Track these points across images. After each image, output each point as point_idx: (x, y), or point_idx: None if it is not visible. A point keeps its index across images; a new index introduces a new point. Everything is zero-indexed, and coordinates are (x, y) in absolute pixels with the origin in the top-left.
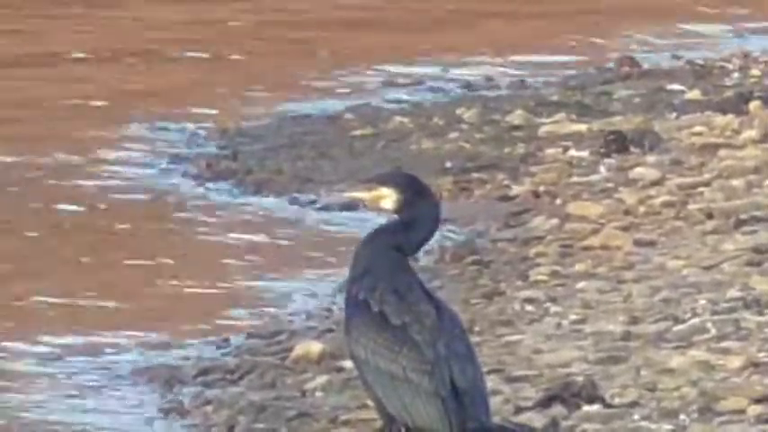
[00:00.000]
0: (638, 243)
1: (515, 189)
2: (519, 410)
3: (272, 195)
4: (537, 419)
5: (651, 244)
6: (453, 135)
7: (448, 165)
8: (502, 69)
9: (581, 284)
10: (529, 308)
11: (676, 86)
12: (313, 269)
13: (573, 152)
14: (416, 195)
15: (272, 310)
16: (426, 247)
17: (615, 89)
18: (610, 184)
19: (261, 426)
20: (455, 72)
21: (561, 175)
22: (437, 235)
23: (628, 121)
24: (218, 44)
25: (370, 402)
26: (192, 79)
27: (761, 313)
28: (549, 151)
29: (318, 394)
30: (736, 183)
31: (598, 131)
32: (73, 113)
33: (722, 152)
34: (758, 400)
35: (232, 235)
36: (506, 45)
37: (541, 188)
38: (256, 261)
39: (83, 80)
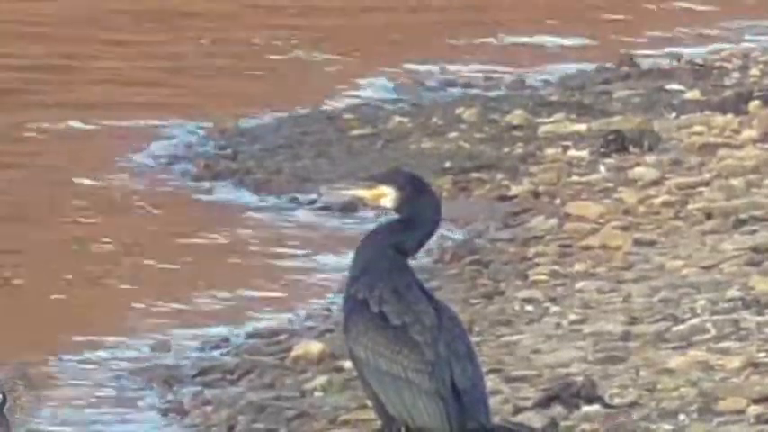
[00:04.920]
0: (637, 243)
1: (515, 189)
2: (518, 410)
3: (271, 195)
4: (536, 419)
5: (650, 244)
6: (452, 135)
7: (447, 164)
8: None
9: (580, 284)
10: (528, 308)
11: (676, 86)
12: (313, 269)
13: (572, 152)
14: (416, 194)
15: (271, 309)
16: (426, 246)
17: (615, 89)
18: (609, 184)
19: (260, 426)
20: (455, 72)
21: (560, 174)
22: (436, 235)
23: (627, 120)
24: (219, 44)
25: (369, 402)
26: (191, 79)
27: (760, 313)
28: (549, 151)
29: (318, 394)
30: (735, 182)
31: (597, 131)
32: (72, 113)
33: (721, 152)
34: (757, 401)
35: (231, 235)
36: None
37: (541, 188)
38: (256, 261)
39: (82, 79)
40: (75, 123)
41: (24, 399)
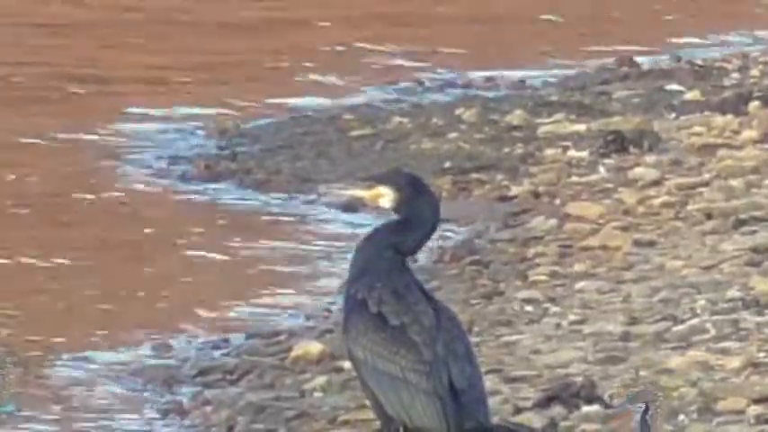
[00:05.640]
0: (637, 243)
1: (514, 189)
2: (518, 411)
3: (271, 195)
4: (536, 420)
5: (650, 244)
6: (452, 135)
7: (447, 165)
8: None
9: (580, 285)
10: (528, 308)
11: (675, 87)
12: (312, 269)
13: (572, 152)
14: (415, 194)
15: (271, 309)
16: (425, 246)
17: (614, 89)
18: (609, 185)
19: (260, 426)
20: (455, 72)
21: (560, 175)
22: (436, 235)
23: (627, 121)
24: (218, 44)
25: (368, 402)
26: (191, 79)
27: (760, 313)
28: (549, 151)
29: (317, 394)
30: (735, 183)
31: (597, 132)
32: (72, 112)
33: (721, 152)
34: (757, 401)
35: (231, 235)
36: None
37: (541, 188)
38: (255, 261)
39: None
40: (74, 122)
41: (13, 376)
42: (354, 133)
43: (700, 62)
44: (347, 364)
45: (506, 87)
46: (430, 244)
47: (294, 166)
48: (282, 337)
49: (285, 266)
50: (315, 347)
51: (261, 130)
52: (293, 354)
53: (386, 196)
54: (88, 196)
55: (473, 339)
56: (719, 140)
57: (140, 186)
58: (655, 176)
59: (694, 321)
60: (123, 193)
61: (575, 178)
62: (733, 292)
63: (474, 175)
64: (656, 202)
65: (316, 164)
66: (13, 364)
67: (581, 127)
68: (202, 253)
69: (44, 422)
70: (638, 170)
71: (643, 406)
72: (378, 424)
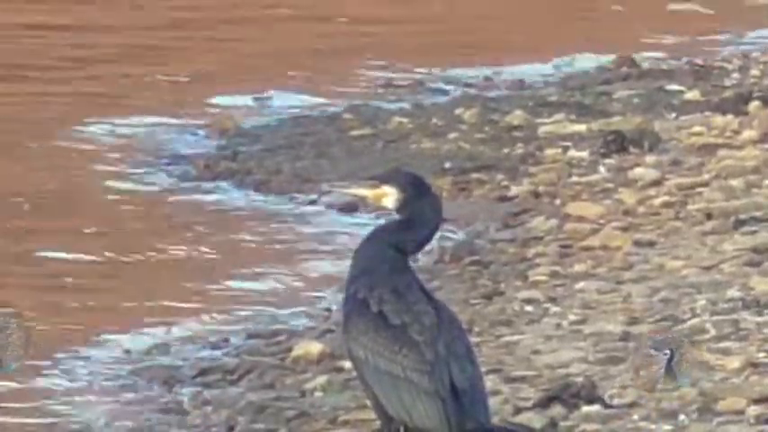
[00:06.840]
0: (637, 243)
1: (514, 189)
2: (518, 411)
3: (271, 195)
4: (536, 420)
5: (650, 244)
6: (452, 135)
7: (447, 165)
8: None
9: (580, 285)
10: (528, 308)
11: (676, 87)
12: (312, 268)
13: (572, 152)
14: (418, 194)
15: (271, 309)
16: (426, 247)
17: (614, 89)
18: (609, 185)
19: (260, 426)
20: (454, 72)
21: (560, 175)
22: (437, 235)
23: (627, 121)
24: (218, 43)
25: (368, 402)
26: (190, 78)
27: (760, 313)
28: (549, 151)
29: (318, 394)
30: (735, 183)
31: (597, 132)
32: (72, 111)
33: (721, 152)
34: (757, 401)
35: (231, 235)
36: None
37: (541, 188)
38: (255, 261)
39: (81, 78)
40: (75, 121)
41: (16, 336)
42: (354, 133)
43: (700, 62)
44: (347, 364)
45: (506, 87)
46: (430, 244)
47: (294, 166)
48: (282, 337)
49: (285, 265)
50: (315, 347)
51: (261, 129)
52: (293, 354)
53: (390, 196)
54: (87, 195)
55: (473, 339)
56: (720, 140)
57: (140, 186)
58: (655, 176)
59: (694, 321)
60: (123, 192)
61: (575, 178)
62: (733, 293)
63: (474, 175)
64: (657, 202)
65: (316, 164)
66: (16, 324)
67: (581, 127)
68: (203, 252)
69: (43, 422)
70: (639, 170)
71: (668, 352)
72: (378, 424)
